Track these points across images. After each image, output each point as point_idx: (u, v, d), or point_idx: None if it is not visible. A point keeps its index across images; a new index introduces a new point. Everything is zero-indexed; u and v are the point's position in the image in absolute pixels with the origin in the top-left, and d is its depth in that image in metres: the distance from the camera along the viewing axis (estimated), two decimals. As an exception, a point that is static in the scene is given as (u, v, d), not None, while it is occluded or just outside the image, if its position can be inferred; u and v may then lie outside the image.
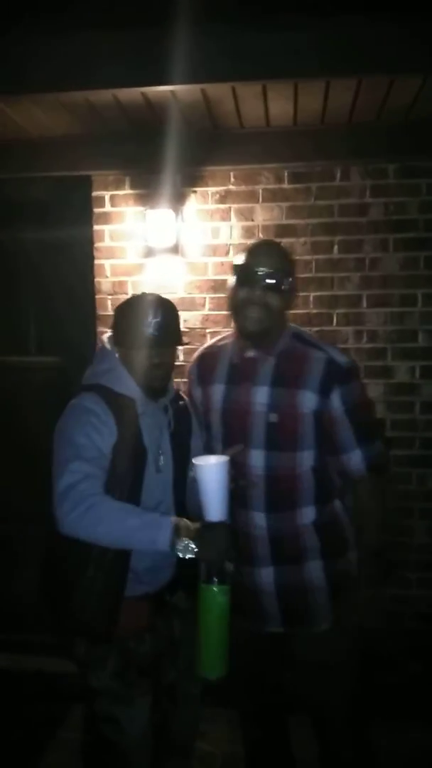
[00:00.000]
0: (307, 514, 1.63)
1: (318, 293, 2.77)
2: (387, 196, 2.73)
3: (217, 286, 2.83)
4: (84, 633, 1.56)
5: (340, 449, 1.61)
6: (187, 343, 1.77)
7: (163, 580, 1.63)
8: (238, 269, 1.61)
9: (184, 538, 1.42)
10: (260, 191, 2.79)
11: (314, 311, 2.78)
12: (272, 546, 1.62)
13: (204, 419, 1.72)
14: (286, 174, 2.77)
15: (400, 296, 2.76)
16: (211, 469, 1.48)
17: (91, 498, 1.43)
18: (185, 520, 1.48)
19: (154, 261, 2.84)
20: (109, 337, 1.68)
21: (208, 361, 1.74)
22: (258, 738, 1.89)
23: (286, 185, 2.78)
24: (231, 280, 1.64)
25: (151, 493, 1.59)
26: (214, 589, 1.46)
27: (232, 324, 1.70)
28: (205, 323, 2.86)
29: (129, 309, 1.62)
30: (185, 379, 1.91)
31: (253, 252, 1.61)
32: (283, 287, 1.58)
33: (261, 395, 1.60)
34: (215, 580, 1.46)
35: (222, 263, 2.83)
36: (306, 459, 1.61)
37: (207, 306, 2.85)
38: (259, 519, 1.61)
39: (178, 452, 1.66)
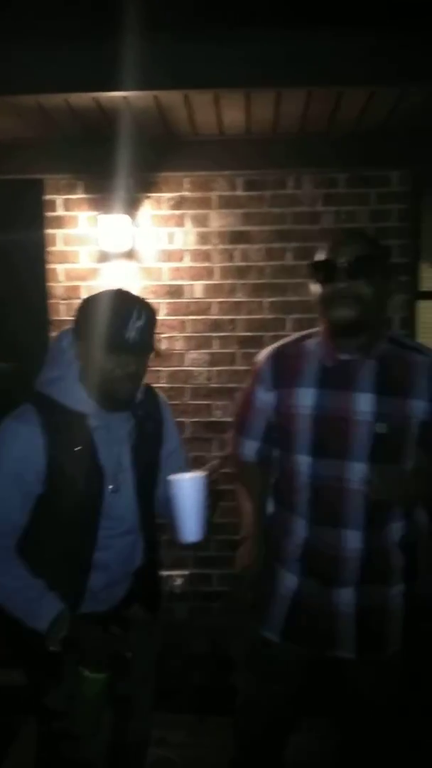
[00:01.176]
0: (398, 529, 1.48)
1: (272, 299, 2.81)
2: (338, 205, 2.79)
3: (173, 291, 2.84)
4: (39, 656, 1.43)
5: None
6: (159, 354, 1.55)
7: (120, 594, 1.56)
8: (319, 266, 1.42)
9: (60, 631, 1.35)
10: (214, 198, 2.81)
11: (269, 317, 2.82)
12: (362, 567, 1.45)
13: (284, 425, 1.50)
14: (239, 181, 2.80)
15: (351, 302, 2.82)
16: (186, 485, 1.37)
17: None
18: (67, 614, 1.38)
19: (108, 266, 2.82)
20: (65, 333, 1.46)
21: (287, 361, 1.51)
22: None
23: (240, 192, 2.81)
24: (313, 283, 1.45)
25: (110, 513, 1.47)
26: (85, 674, 1.37)
27: (319, 325, 1.51)
28: (161, 328, 2.86)
29: (107, 304, 1.37)
30: (246, 381, 1.65)
31: (333, 244, 1.43)
32: (372, 276, 1.39)
33: (365, 403, 1.41)
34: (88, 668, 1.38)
35: (177, 268, 2.84)
36: (406, 470, 1.47)
37: (163, 311, 2.85)
38: (353, 538, 1.43)
39: (141, 467, 1.52)
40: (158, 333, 2.78)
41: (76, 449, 1.39)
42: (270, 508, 1.60)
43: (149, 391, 1.58)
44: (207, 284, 2.83)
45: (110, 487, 1.46)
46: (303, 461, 1.46)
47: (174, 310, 2.85)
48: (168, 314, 2.86)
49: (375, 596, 1.47)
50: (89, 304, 1.42)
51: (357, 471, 1.41)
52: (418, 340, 2.88)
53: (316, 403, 1.44)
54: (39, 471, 1.38)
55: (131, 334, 1.33)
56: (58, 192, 2.83)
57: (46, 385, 1.43)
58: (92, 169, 2.72)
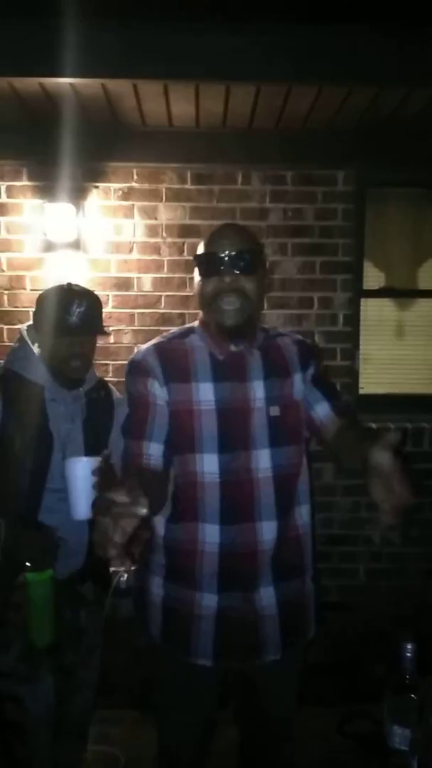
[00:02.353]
0: (305, 512, 1.47)
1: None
2: (285, 202, 2.82)
3: (120, 284, 2.81)
4: None
5: (309, 407, 1.47)
6: (108, 334, 1.81)
7: (72, 567, 1.67)
8: (201, 259, 1.39)
9: None
10: (163, 190, 2.79)
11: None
12: (275, 560, 1.41)
13: (182, 423, 1.39)
14: (189, 174, 2.79)
15: (298, 299, 2.87)
16: (80, 466, 1.53)
17: None
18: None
19: (54, 256, 2.76)
20: (29, 327, 1.73)
21: (172, 355, 1.43)
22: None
23: (189, 186, 2.80)
24: (196, 274, 1.42)
25: (56, 479, 1.62)
26: (29, 577, 1.51)
27: (198, 319, 1.48)
28: (108, 321, 2.82)
29: (49, 297, 1.67)
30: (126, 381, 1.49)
31: (214, 237, 1.40)
32: (254, 270, 1.38)
33: (258, 389, 1.41)
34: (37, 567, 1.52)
35: (125, 261, 2.80)
36: (305, 450, 1.48)
37: (110, 304, 2.82)
38: (268, 530, 1.39)
39: (92, 443, 1.68)
40: (106, 323, 2.78)
41: (29, 414, 1.60)
42: (161, 528, 1.46)
43: (105, 385, 1.84)
44: (156, 277, 2.81)
45: (60, 455, 1.63)
46: (209, 460, 1.37)
47: (122, 303, 2.82)
48: (116, 307, 2.83)
49: (294, 588, 1.46)
50: (41, 297, 1.70)
51: (262, 459, 1.39)
52: (362, 337, 2.95)
53: (217, 396, 1.39)
54: None
55: (73, 318, 1.61)
56: (1, 178, 2.75)
57: (12, 362, 1.68)
58: (38, 156, 2.65)
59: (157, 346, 1.45)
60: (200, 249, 1.42)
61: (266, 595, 1.42)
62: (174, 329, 1.53)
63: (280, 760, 1.59)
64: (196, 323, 1.50)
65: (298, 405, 1.46)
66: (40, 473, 1.62)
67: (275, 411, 1.41)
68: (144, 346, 1.47)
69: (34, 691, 1.60)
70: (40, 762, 1.63)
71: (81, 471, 1.53)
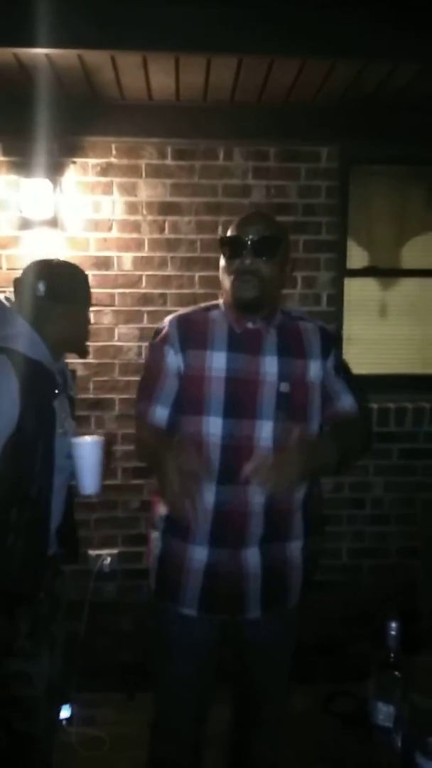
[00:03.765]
0: (301, 486, 1.58)
1: (203, 273, 2.77)
2: (268, 179, 2.77)
3: (100, 263, 2.75)
4: (7, 599, 1.56)
5: (334, 398, 1.61)
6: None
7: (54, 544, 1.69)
8: (226, 241, 1.54)
9: None
10: (143, 166, 2.72)
11: (200, 291, 2.78)
12: (266, 523, 1.52)
13: (192, 389, 1.53)
14: (169, 150, 2.72)
15: (281, 278, 2.83)
16: (88, 447, 1.61)
17: None
18: None
19: (30, 234, 2.69)
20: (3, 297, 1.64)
21: (194, 326, 1.57)
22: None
23: (169, 161, 2.73)
24: (222, 256, 1.56)
25: (59, 456, 1.61)
26: None
27: (225, 297, 1.59)
28: (88, 302, 2.77)
29: (73, 269, 1.72)
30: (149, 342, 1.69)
31: (240, 222, 1.55)
32: (274, 255, 1.51)
33: (271, 364, 1.52)
34: None
35: (105, 239, 2.74)
36: (312, 430, 1.56)
37: (90, 284, 2.75)
38: (259, 495, 1.50)
39: (73, 416, 1.74)
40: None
41: (44, 400, 1.55)
42: None
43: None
44: (136, 256, 2.75)
45: (60, 431, 1.60)
46: (214, 423, 1.49)
47: (101, 283, 2.76)
48: (95, 287, 2.74)
49: (277, 553, 1.56)
50: (58, 266, 1.71)
51: (264, 429, 1.49)
52: (346, 318, 2.93)
53: (229, 365, 1.51)
54: (10, 414, 1.49)
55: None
56: (-25, 153, 2.66)
57: (7, 340, 1.53)
58: (13, 131, 2.56)
59: (180, 316, 1.62)
60: (229, 232, 1.55)
61: (252, 555, 1.53)
62: (202, 304, 1.68)
63: (270, 727, 1.70)
64: (220, 300, 1.63)
65: (309, 386, 1.55)
66: (49, 453, 1.58)
67: (285, 387, 1.51)
68: (170, 316, 1.63)
69: (38, 667, 1.60)
70: (45, 738, 1.64)
71: (89, 451, 1.61)
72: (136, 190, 2.73)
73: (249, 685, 1.71)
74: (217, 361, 1.52)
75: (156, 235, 2.76)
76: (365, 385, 2.88)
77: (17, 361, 1.50)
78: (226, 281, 1.54)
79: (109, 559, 2.79)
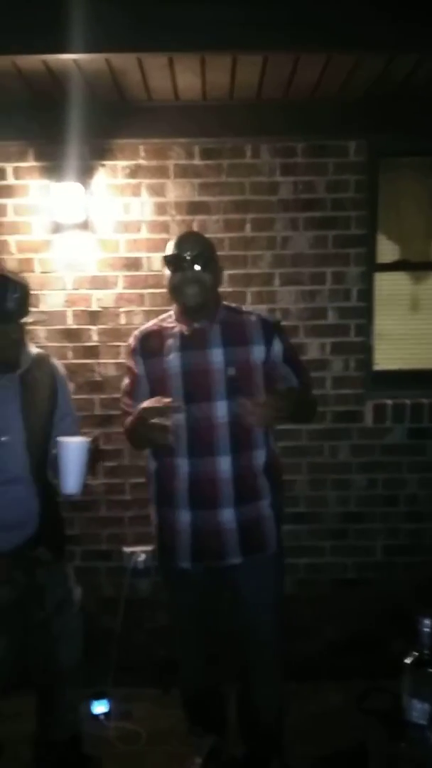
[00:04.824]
0: (260, 455, 1.92)
1: (231, 271, 2.78)
2: (296, 175, 2.76)
3: (130, 263, 2.78)
4: None
5: (282, 380, 1.93)
6: (26, 319, 1.77)
7: (23, 537, 1.78)
8: (170, 258, 1.87)
9: None
10: (171, 166, 2.75)
11: (228, 289, 2.78)
12: (235, 487, 1.86)
13: (157, 386, 1.90)
14: (196, 149, 2.74)
15: (310, 274, 2.82)
16: (70, 447, 1.69)
17: None
18: None
19: (62, 237, 2.74)
20: None
21: (153, 337, 1.95)
22: (201, 685, 2.13)
23: (197, 161, 2.75)
24: (165, 270, 1.90)
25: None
26: None
27: (173, 306, 1.97)
28: (119, 302, 2.81)
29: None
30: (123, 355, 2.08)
31: (179, 242, 1.90)
32: (209, 266, 1.87)
33: (217, 355, 1.86)
34: None
35: (135, 240, 2.77)
36: None
37: (120, 284, 2.80)
38: (225, 463, 1.85)
39: (31, 425, 1.78)
40: (115, 307, 2.77)
41: None
42: (152, 465, 1.96)
43: (43, 359, 1.91)
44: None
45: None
46: (179, 406, 1.81)
47: (132, 284, 2.80)
48: (126, 287, 2.80)
49: (250, 511, 1.89)
50: None
51: (220, 408, 1.84)
52: (376, 313, 2.90)
53: (182, 362, 1.87)
54: None
55: (9, 305, 1.66)
56: (8, 160, 2.71)
57: None
58: (44, 136, 2.61)
59: (141, 332, 2.00)
60: (169, 250, 1.89)
61: (227, 514, 1.87)
62: (158, 318, 2.03)
63: (267, 671, 2.02)
64: (173, 309, 1.97)
65: (253, 368, 1.89)
66: None
67: (232, 371, 1.85)
68: (135, 333, 2.01)
69: None
70: None
71: (72, 452, 1.69)
72: (165, 190, 2.76)
73: (243, 632, 2.01)
74: (173, 361, 1.88)
75: (184, 235, 2.77)
76: (397, 382, 2.89)
77: None
78: (173, 292, 1.89)
79: (143, 556, 2.82)
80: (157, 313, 2.79)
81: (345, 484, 2.91)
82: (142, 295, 2.81)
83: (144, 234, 2.77)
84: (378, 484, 2.91)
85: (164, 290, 2.77)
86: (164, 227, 2.77)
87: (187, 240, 1.90)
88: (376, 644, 2.66)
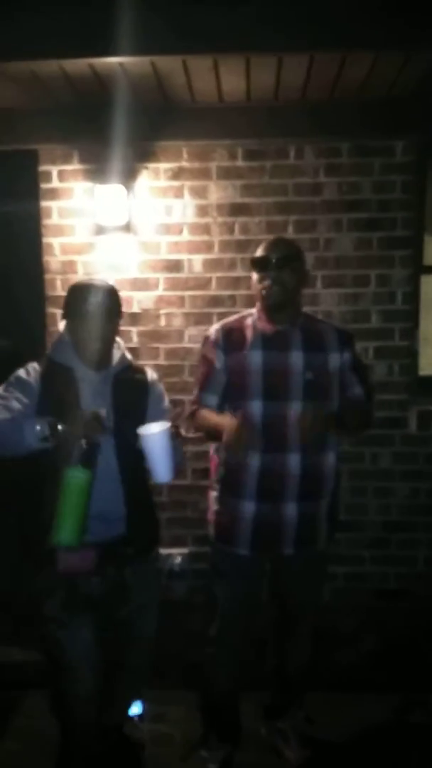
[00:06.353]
0: (328, 456, 1.99)
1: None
2: (340, 176, 2.72)
3: (171, 266, 2.78)
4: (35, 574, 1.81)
5: (347, 387, 2.03)
6: (120, 318, 1.89)
7: (113, 533, 1.81)
8: (256, 260, 1.96)
9: (47, 422, 1.63)
10: (214, 168, 2.74)
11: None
12: (301, 484, 1.94)
13: (236, 380, 1.98)
14: (239, 151, 2.73)
15: (353, 277, 2.77)
16: (153, 436, 1.70)
17: None
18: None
19: (105, 239, 2.76)
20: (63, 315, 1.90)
21: (234, 333, 2.01)
22: (233, 674, 2.17)
23: (240, 162, 2.74)
24: (253, 272, 1.98)
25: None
26: (75, 468, 1.62)
27: (255, 306, 2.03)
28: (159, 304, 2.81)
29: (73, 289, 1.84)
30: (201, 348, 2.08)
31: (267, 245, 1.97)
32: (293, 268, 1.94)
33: (297, 358, 1.94)
34: (79, 462, 1.63)
35: (176, 243, 2.77)
36: (332, 407, 1.97)
37: (161, 286, 2.80)
38: (294, 460, 1.92)
39: (122, 421, 1.79)
40: (155, 309, 2.77)
41: (62, 395, 1.76)
42: (222, 454, 2.00)
43: (139, 369, 1.97)
44: (206, 258, 2.77)
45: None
46: (256, 405, 1.92)
47: (172, 286, 2.80)
48: (166, 289, 2.81)
49: (311, 508, 1.98)
50: (69, 288, 1.87)
51: (295, 408, 1.90)
52: (422, 315, 2.83)
53: (263, 360, 1.94)
54: (30, 403, 1.73)
55: (90, 306, 1.77)
56: (53, 163, 2.75)
57: (51, 350, 1.89)
58: (88, 139, 2.65)
59: (223, 325, 2.05)
60: (257, 253, 1.97)
61: (290, 508, 1.95)
62: (239, 314, 2.08)
63: (302, 638, 2.18)
64: (254, 309, 2.04)
65: (329, 374, 1.98)
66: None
67: (309, 375, 1.94)
68: (215, 326, 2.07)
69: (72, 635, 1.79)
70: (83, 698, 1.84)
71: (154, 440, 1.70)
72: (207, 192, 2.75)
73: (286, 607, 2.16)
74: (254, 358, 1.95)
75: (226, 237, 2.76)
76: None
77: (44, 363, 1.84)
78: (258, 290, 1.95)
79: (179, 559, 2.82)
80: (198, 316, 2.82)
81: (387, 492, 2.84)
82: (182, 298, 2.81)
83: (186, 236, 2.77)
84: (421, 493, 2.83)
85: (205, 292, 2.82)
86: (206, 229, 2.76)
87: (275, 244, 1.98)
88: (416, 656, 2.59)
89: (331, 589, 2.84)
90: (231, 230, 2.75)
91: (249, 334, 1.99)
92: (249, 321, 2.03)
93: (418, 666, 2.56)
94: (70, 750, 1.91)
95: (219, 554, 2.10)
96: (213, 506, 2.07)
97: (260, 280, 1.95)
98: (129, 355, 1.95)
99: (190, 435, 2.28)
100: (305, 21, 2.09)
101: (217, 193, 2.75)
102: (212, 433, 1.98)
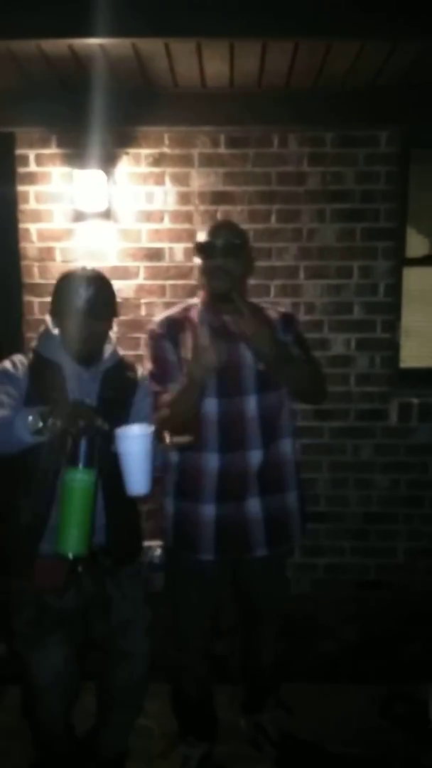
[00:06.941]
0: (287, 444, 1.92)
1: (256, 263, 2.71)
2: (324, 166, 2.69)
3: (152, 254, 2.73)
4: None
5: None
6: (115, 317, 1.80)
7: (95, 544, 1.67)
8: (200, 245, 1.83)
9: (38, 413, 1.52)
10: (196, 155, 2.69)
11: (252, 282, 2.72)
12: (261, 478, 1.85)
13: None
14: (222, 138, 2.68)
15: (336, 268, 2.75)
16: (131, 440, 1.53)
17: None
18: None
19: (83, 226, 2.70)
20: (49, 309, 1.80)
21: (179, 325, 1.88)
22: (202, 677, 2.10)
23: (222, 150, 2.69)
24: (197, 258, 1.87)
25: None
26: (77, 469, 1.49)
27: (199, 296, 1.93)
28: (140, 293, 2.76)
29: (63, 282, 1.73)
30: (147, 344, 1.92)
31: (211, 230, 1.85)
32: (238, 255, 1.82)
33: (246, 350, 1.81)
34: (80, 462, 1.49)
35: (157, 230, 2.72)
36: (285, 396, 1.91)
37: (141, 275, 2.75)
38: (256, 456, 1.84)
39: (108, 420, 1.65)
40: (136, 298, 2.72)
41: (50, 391, 1.66)
42: (173, 458, 1.89)
43: (129, 364, 1.88)
44: (188, 247, 2.73)
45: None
46: (211, 403, 1.80)
47: (153, 275, 2.75)
48: (147, 278, 2.76)
49: (276, 502, 1.89)
50: (57, 281, 1.76)
51: (251, 402, 1.82)
52: (404, 309, 2.83)
53: None
54: (17, 395, 1.65)
55: (82, 302, 1.66)
56: (30, 146, 2.68)
57: (37, 344, 1.79)
58: (67, 122, 2.57)
59: (167, 318, 1.90)
60: (200, 237, 1.84)
61: (253, 505, 1.86)
62: (180, 305, 1.96)
63: (267, 633, 2.12)
64: (196, 300, 1.94)
65: None
66: (59, 450, 1.60)
67: (261, 366, 1.81)
68: (158, 318, 1.93)
69: (40, 657, 1.70)
70: (51, 726, 1.79)
71: (132, 445, 1.53)
72: (189, 179, 2.70)
73: (252, 604, 2.08)
74: None
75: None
76: (424, 381, 2.82)
77: (32, 357, 1.76)
78: (202, 276, 1.85)
79: (159, 551, 2.79)
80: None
81: (367, 483, 2.85)
82: (163, 287, 2.76)
83: (167, 224, 2.72)
84: (401, 485, 2.84)
85: (186, 281, 2.78)
86: (187, 217, 2.72)
87: (219, 228, 1.86)
88: (396, 647, 2.61)
89: (311, 581, 2.85)
90: (213, 218, 2.70)
91: (193, 327, 1.83)
92: (193, 312, 1.90)
93: (399, 657, 2.58)
94: (42, 754, 1.88)
95: (180, 562, 1.96)
96: (168, 513, 1.94)
97: (204, 268, 1.84)
98: (121, 351, 1.88)
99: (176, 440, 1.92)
100: (291, 7, 2.04)
101: (199, 180, 2.70)
102: (184, 406, 1.76)
